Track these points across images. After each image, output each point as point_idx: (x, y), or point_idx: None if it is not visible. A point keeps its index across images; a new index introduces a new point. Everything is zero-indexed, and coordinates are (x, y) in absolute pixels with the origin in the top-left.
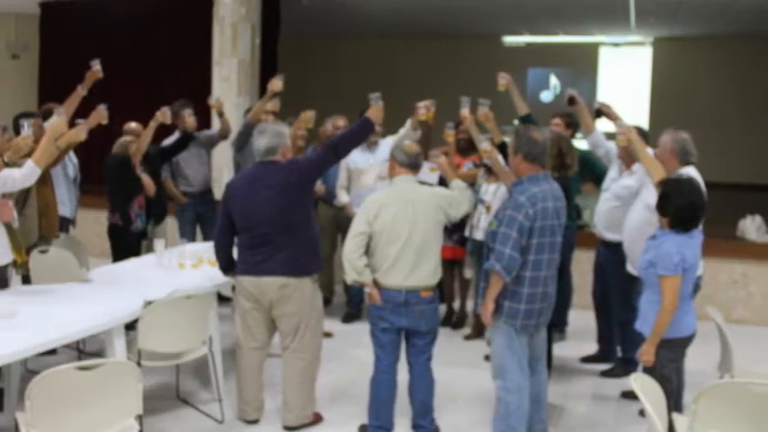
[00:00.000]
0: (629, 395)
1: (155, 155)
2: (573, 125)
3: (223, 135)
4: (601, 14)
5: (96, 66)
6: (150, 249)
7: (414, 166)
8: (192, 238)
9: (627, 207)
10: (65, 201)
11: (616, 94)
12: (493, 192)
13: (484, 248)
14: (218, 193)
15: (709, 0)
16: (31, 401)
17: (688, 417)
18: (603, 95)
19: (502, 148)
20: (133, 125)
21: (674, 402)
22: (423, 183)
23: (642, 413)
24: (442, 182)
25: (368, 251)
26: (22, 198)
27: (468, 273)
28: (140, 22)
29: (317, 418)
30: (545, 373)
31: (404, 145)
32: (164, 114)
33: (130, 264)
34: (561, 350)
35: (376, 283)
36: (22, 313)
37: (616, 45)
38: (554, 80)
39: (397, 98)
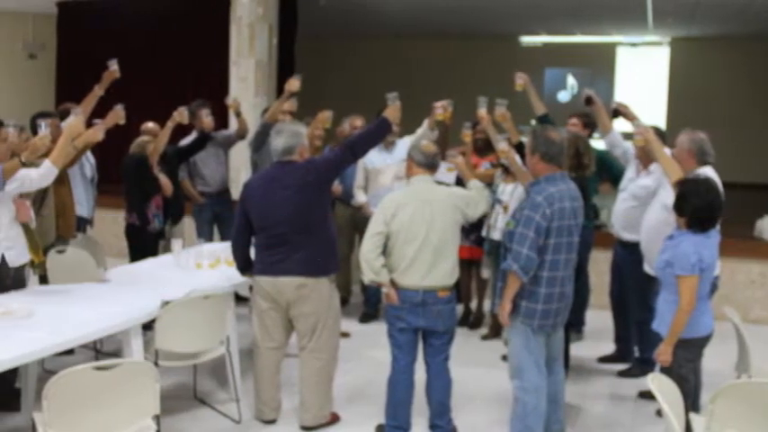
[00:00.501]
0: (647, 395)
1: (172, 155)
2: (590, 125)
3: (240, 135)
4: (618, 14)
5: (114, 66)
6: (167, 249)
7: (431, 166)
8: (210, 238)
9: (644, 207)
10: (82, 201)
11: (633, 94)
12: (510, 192)
13: (501, 248)
14: (236, 192)
15: (726, 0)
16: (48, 401)
17: (705, 417)
18: (621, 95)
19: (519, 148)
20: (150, 125)
21: (692, 402)
22: (440, 183)
23: (659, 413)
24: (459, 182)
25: (385, 251)
26: (39, 198)
27: (486, 273)
28: (158, 22)
29: (335, 418)
30: (562, 373)
31: (421, 145)
32: (181, 114)
33: (148, 264)
34: (578, 350)
35: (393, 283)
36: (40, 313)
37: (633, 45)
38: (571, 80)
39: (414, 98)
